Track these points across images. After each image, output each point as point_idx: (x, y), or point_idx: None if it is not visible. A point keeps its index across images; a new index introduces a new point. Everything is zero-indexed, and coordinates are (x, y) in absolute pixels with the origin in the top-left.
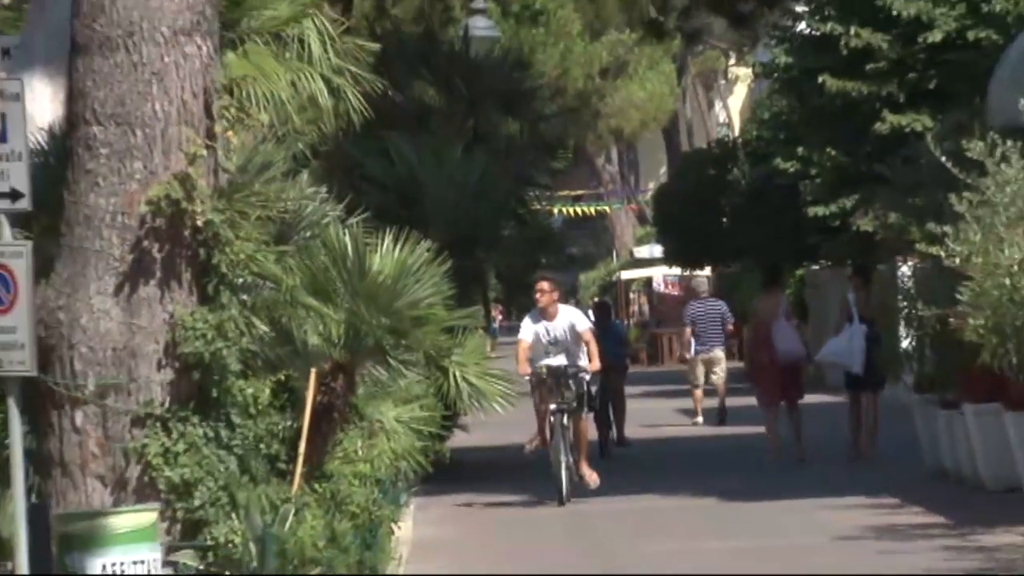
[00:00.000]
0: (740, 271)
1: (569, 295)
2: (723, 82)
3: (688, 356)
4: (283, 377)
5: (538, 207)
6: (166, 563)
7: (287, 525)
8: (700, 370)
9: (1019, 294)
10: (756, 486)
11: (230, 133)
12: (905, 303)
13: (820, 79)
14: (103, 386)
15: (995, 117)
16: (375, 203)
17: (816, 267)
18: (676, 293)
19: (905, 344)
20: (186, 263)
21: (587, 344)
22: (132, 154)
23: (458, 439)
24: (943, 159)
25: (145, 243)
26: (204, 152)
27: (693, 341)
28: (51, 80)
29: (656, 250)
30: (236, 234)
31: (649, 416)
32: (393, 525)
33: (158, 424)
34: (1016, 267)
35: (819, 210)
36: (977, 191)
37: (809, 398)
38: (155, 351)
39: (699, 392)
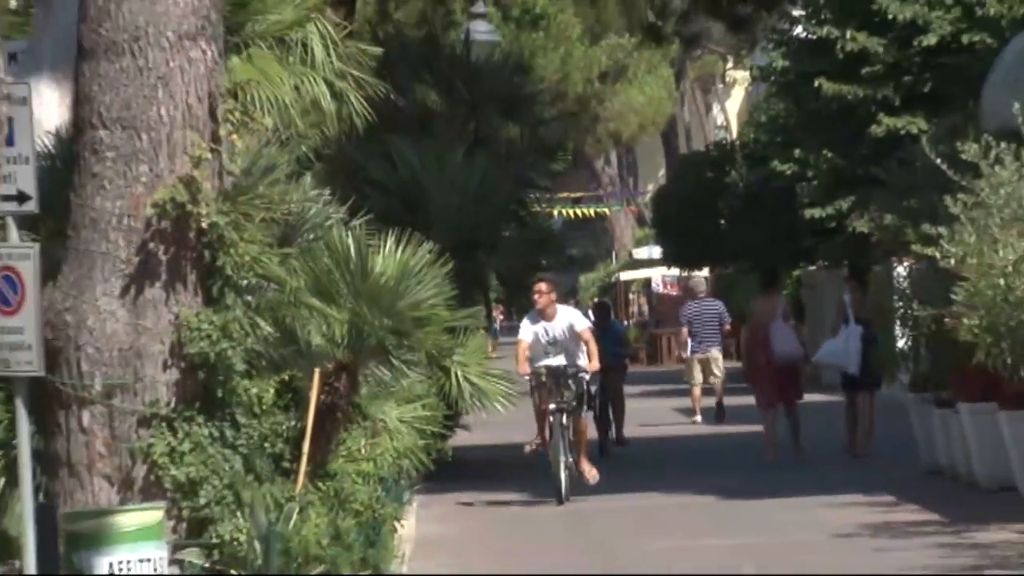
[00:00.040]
0: (737, 272)
1: (569, 296)
2: (721, 86)
3: (684, 356)
4: (287, 377)
5: (538, 209)
6: (172, 561)
7: (291, 523)
8: (697, 369)
9: (1013, 294)
10: (754, 484)
11: (234, 136)
12: (901, 303)
13: (816, 82)
14: (109, 386)
15: (989, 120)
16: (377, 206)
17: (812, 268)
18: (675, 294)
19: (901, 344)
20: (191, 265)
21: (586, 344)
22: (138, 157)
23: (460, 438)
24: (938, 161)
25: (151, 245)
26: (209, 155)
27: (690, 341)
28: (58, 84)
29: (655, 251)
30: (240, 236)
31: (648, 415)
32: (396, 523)
33: (164, 424)
34: (1010, 268)
35: (815, 212)
36: (971, 193)
37: (806, 397)
38: (161, 352)
39: (697, 391)
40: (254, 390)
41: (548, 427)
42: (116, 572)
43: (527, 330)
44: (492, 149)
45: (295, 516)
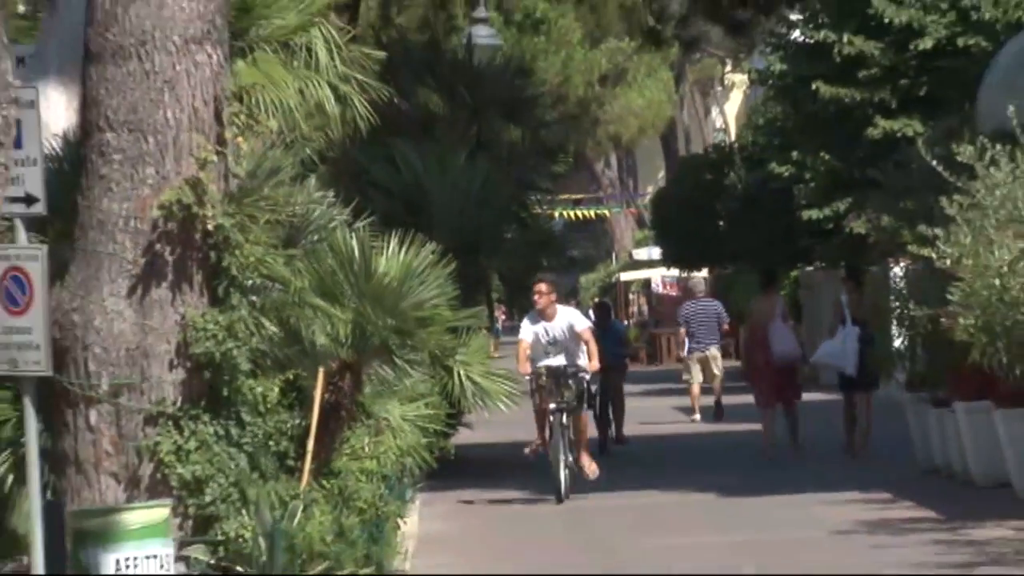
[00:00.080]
0: (736, 272)
1: (570, 296)
2: (719, 89)
3: (682, 355)
4: (292, 376)
5: (539, 211)
6: (178, 558)
7: (296, 520)
8: (697, 368)
9: (1008, 294)
10: (753, 482)
11: (240, 139)
12: (897, 304)
13: (814, 86)
14: (116, 385)
15: (985, 122)
16: (381, 207)
17: (810, 269)
18: (674, 294)
19: (897, 344)
20: (197, 266)
21: (586, 344)
22: (144, 160)
23: (462, 436)
24: (934, 163)
25: (157, 246)
26: (214, 158)
27: (687, 340)
28: (65, 88)
29: (654, 252)
30: (246, 237)
31: (647, 414)
32: (399, 520)
33: (170, 422)
34: (1005, 268)
35: (813, 213)
36: (967, 194)
37: (804, 396)
38: (167, 351)
39: (696, 389)
40: (259, 389)
41: (548, 426)
42: (123, 569)
43: (527, 330)
44: (494, 152)
45: (299, 513)
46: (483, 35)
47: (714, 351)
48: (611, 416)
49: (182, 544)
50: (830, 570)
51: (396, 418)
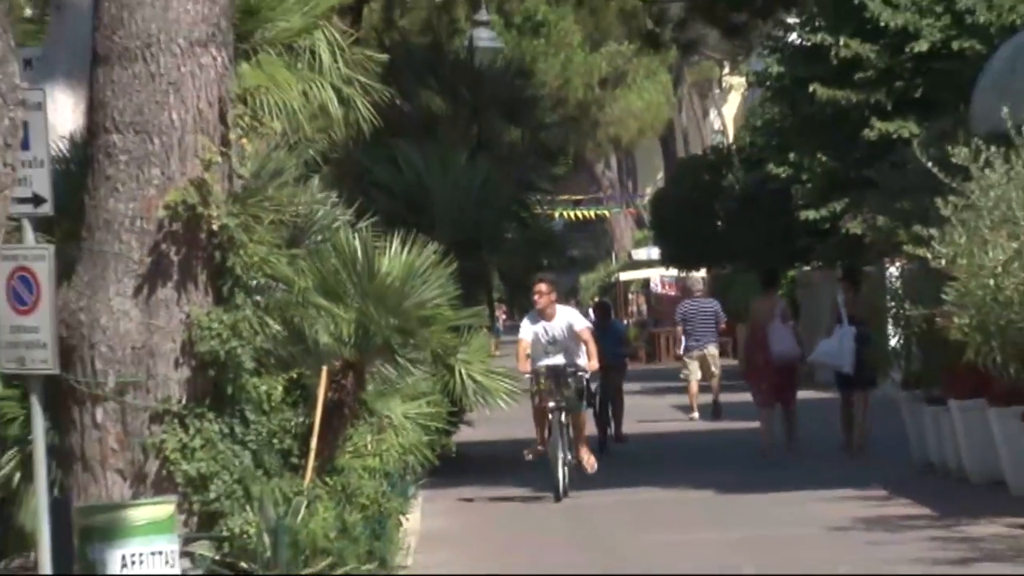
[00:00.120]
0: (734, 272)
1: (570, 296)
2: (718, 91)
3: (679, 353)
4: (295, 375)
5: (540, 211)
6: (183, 554)
7: (299, 517)
8: (694, 366)
9: (1002, 294)
10: (750, 479)
11: (244, 140)
12: (893, 303)
13: (811, 88)
14: (122, 384)
15: (979, 124)
16: (383, 208)
17: (807, 269)
18: (673, 293)
19: (893, 343)
20: (202, 265)
21: (585, 343)
22: (150, 161)
23: (463, 434)
24: (929, 164)
25: (163, 246)
26: (219, 159)
27: (683, 339)
28: (72, 90)
29: (653, 252)
30: (250, 237)
31: (646, 412)
32: (401, 517)
33: (175, 420)
34: (1000, 268)
35: (810, 214)
36: (962, 195)
37: (800, 395)
38: (172, 350)
39: (694, 387)
40: (263, 387)
41: (547, 425)
42: (128, 564)
43: (527, 329)
44: (495, 152)
45: (303, 510)
46: (484, 38)
47: (712, 349)
48: (611, 415)
49: (187, 540)
50: (827, 566)
51: (398, 416)
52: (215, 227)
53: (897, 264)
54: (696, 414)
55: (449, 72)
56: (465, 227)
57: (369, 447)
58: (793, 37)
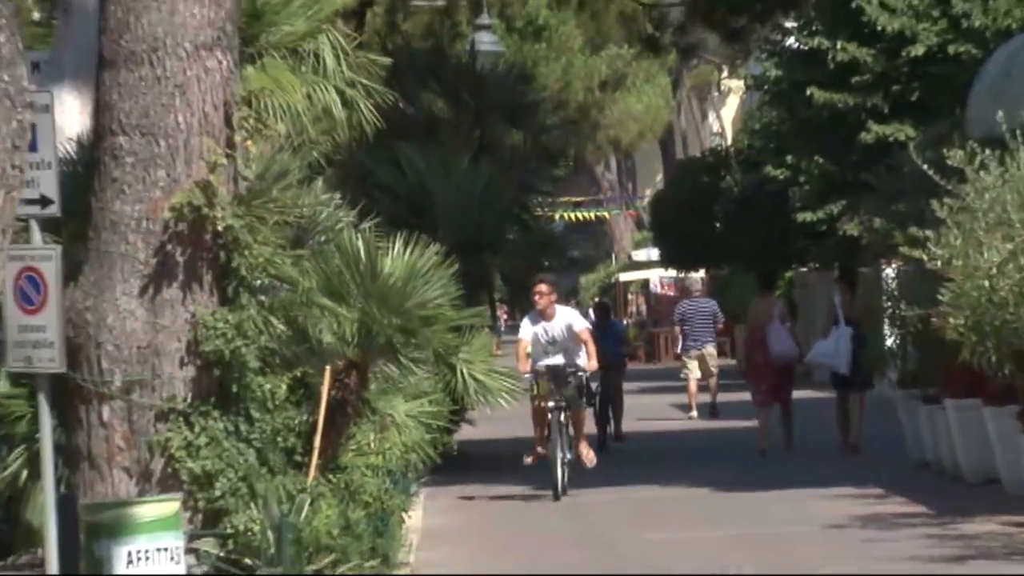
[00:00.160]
0: (731, 273)
1: (570, 296)
2: (716, 94)
3: (676, 352)
4: (299, 374)
5: (541, 213)
6: (188, 550)
7: (303, 514)
8: (693, 366)
9: (997, 295)
10: (748, 478)
11: (249, 143)
12: (889, 304)
13: (808, 91)
14: (128, 382)
15: (974, 128)
16: (386, 209)
17: (804, 270)
18: (672, 294)
19: (889, 343)
20: (207, 266)
21: (585, 344)
22: (156, 163)
23: (464, 432)
24: (925, 167)
25: (168, 247)
26: (224, 161)
27: (681, 338)
28: (79, 93)
29: (653, 253)
30: (254, 238)
31: (645, 411)
32: (404, 514)
33: (181, 418)
34: (994, 269)
35: (807, 216)
36: (957, 198)
37: (797, 394)
38: (178, 349)
39: (693, 386)
40: (267, 386)
41: (547, 425)
42: (134, 561)
43: (527, 330)
44: (496, 155)
45: (307, 507)
46: (486, 42)
47: (710, 349)
48: (610, 414)
49: (192, 537)
50: (824, 564)
51: (401, 415)
52: (220, 228)
53: (893, 265)
54: (695, 413)
55: (451, 76)
56: (467, 229)
57: (372, 445)
58: (791, 41)
